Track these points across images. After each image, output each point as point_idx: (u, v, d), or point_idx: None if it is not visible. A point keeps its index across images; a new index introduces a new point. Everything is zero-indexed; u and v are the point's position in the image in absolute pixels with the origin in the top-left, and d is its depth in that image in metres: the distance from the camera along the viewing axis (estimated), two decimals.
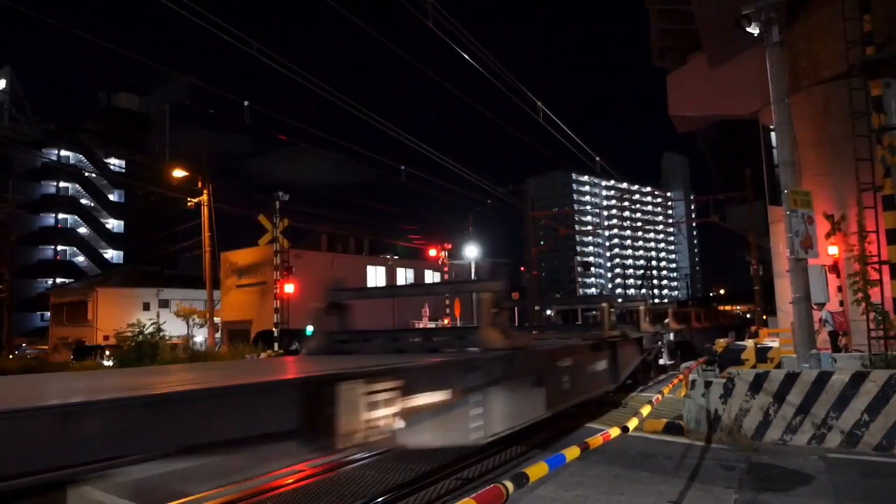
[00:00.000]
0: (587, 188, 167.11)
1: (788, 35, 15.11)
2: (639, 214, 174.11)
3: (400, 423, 5.13)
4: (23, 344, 51.40)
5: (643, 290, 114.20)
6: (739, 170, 34.22)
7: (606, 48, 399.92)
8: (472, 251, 46.23)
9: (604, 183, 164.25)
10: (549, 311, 34.58)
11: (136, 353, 20.72)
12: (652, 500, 6.33)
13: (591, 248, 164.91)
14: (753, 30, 12.27)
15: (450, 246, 45.52)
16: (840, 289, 17.07)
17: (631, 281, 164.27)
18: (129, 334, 21.28)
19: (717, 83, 23.90)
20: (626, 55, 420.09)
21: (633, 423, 5.91)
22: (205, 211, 29.18)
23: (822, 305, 14.45)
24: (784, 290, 18.42)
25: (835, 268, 17.22)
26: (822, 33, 18.67)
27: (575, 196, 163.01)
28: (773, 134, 12.48)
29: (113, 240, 76.39)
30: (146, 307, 45.68)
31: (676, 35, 26.79)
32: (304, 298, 31.11)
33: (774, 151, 12.61)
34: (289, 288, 27.92)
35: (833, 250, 17.54)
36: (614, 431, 5.43)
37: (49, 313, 53.50)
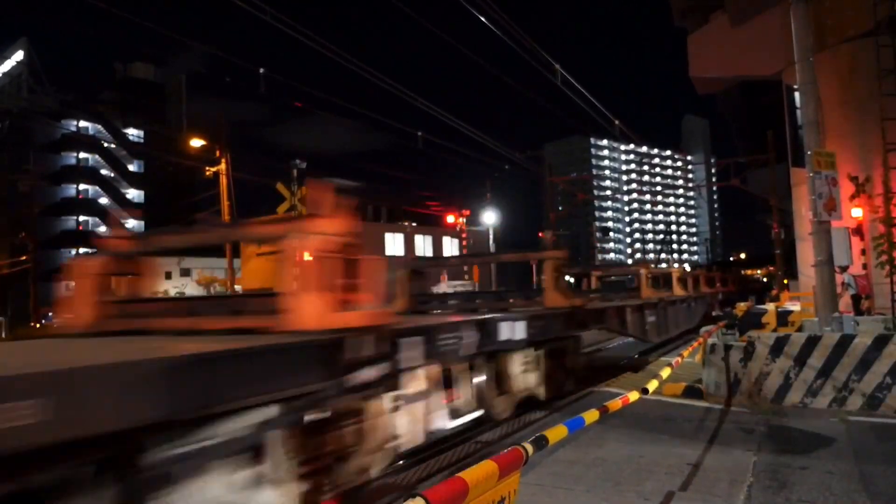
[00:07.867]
0: (606, 152, 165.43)
1: None
2: (658, 179, 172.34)
3: None
4: (49, 313, 52.21)
5: (662, 255, 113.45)
6: (761, 132, 33.58)
7: (625, 8, 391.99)
8: (490, 217, 46.16)
9: (622, 147, 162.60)
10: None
11: None
12: (671, 461, 6.36)
13: (609, 212, 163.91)
14: None
15: (468, 212, 45.42)
16: (864, 251, 16.86)
17: (651, 246, 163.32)
18: None
19: (740, 43, 23.42)
20: (646, 15, 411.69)
21: (652, 385, 5.89)
22: (223, 180, 29.26)
23: (844, 268, 14.28)
24: (806, 254, 18.21)
25: (858, 230, 16.98)
26: None
27: (593, 161, 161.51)
28: (796, 94, 12.21)
29: (133, 209, 77.04)
30: (168, 276, 46.24)
31: None
32: None
33: (798, 112, 12.35)
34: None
35: (857, 212, 17.28)
36: (633, 395, 5.42)
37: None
